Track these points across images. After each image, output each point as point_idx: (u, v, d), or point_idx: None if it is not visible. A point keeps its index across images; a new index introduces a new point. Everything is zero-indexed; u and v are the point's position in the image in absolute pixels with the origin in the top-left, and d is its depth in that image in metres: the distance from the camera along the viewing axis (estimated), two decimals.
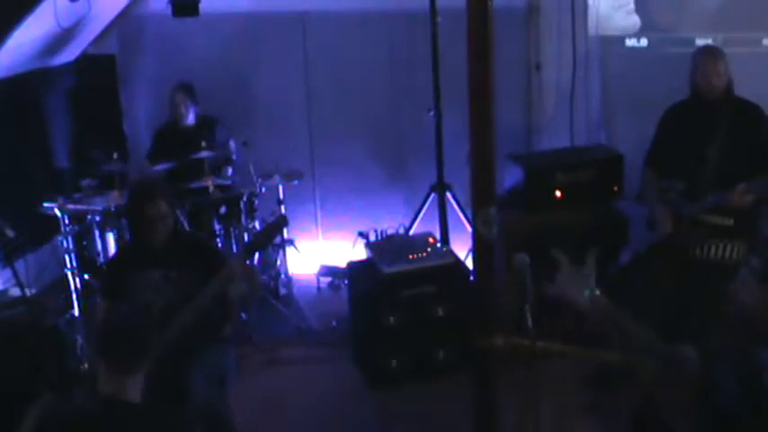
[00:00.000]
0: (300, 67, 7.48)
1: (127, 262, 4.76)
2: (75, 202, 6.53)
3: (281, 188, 6.97)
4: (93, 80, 7.61)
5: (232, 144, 7.02)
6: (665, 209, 5.21)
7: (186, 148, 6.75)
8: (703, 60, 5.19)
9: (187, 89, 7.05)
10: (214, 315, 4.54)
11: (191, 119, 7.06)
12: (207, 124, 7.09)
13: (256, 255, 6.66)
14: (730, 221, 5.02)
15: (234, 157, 7.03)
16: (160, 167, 6.78)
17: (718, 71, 5.11)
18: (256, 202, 6.95)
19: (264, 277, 7.06)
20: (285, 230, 6.89)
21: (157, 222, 4.60)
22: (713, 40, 6.26)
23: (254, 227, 6.92)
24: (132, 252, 4.84)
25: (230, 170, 7.00)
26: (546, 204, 5.99)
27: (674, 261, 5.16)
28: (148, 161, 7.01)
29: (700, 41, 6.34)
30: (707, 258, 5.10)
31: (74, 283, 6.54)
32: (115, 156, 6.77)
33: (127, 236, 6.36)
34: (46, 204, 6.47)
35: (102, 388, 3.21)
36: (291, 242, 7.19)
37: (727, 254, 5.05)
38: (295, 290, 7.19)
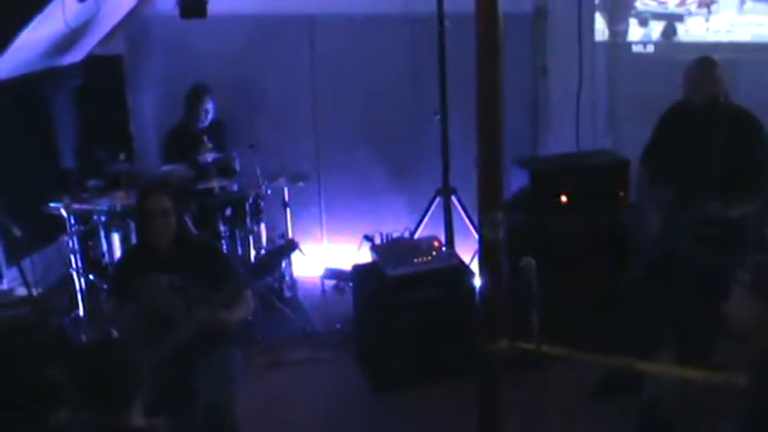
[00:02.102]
0: (307, 70, 7.49)
1: (134, 264, 4.78)
2: (80, 202, 6.54)
3: (286, 190, 6.98)
4: (100, 80, 7.62)
5: (235, 156, 7.00)
6: (655, 214, 5.21)
7: (195, 150, 6.76)
8: (692, 72, 5.19)
9: (212, 93, 7.08)
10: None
11: (206, 121, 7.07)
12: (217, 127, 7.11)
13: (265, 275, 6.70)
14: (717, 231, 5.01)
15: (237, 168, 7.02)
16: (169, 167, 6.78)
17: (705, 90, 5.10)
18: (262, 204, 6.95)
19: (269, 280, 7.07)
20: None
21: (158, 217, 4.61)
22: (722, 47, 6.27)
23: (258, 231, 6.94)
24: (140, 254, 4.86)
25: (235, 185, 7.00)
26: (551, 209, 5.99)
27: (671, 271, 5.17)
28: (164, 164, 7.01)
29: (707, 47, 6.36)
30: (696, 267, 5.09)
31: (79, 282, 6.57)
32: (121, 156, 6.78)
33: (132, 236, 6.40)
34: (52, 204, 6.48)
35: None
36: (296, 245, 7.19)
37: (714, 264, 5.04)
38: (300, 292, 7.20)
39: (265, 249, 6.96)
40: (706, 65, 5.23)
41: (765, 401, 3.05)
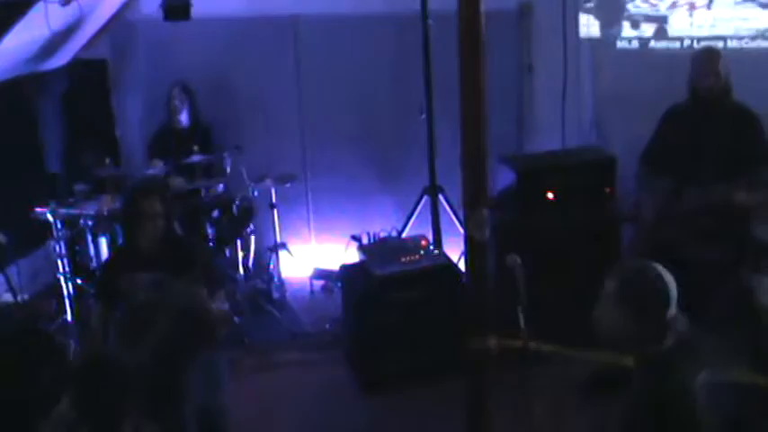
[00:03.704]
0: (292, 70, 7.48)
1: (120, 264, 4.78)
2: (67, 207, 6.52)
3: (273, 191, 6.97)
4: (85, 84, 7.60)
5: (225, 156, 7.00)
6: (651, 201, 5.22)
7: (180, 151, 6.75)
8: (699, 61, 5.21)
9: (186, 88, 7.09)
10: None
11: (184, 117, 7.06)
12: (202, 128, 7.09)
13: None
14: (714, 224, 5.02)
15: (228, 170, 7.01)
16: (154, 170, 6.78)
17: (716, 71, 5.11)
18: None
19: (258, 281, 7.07)
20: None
21: (149, 219, 4.61)
22: (706, 41, 6.30)
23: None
24: (125, 254, 4.86)
25: (222, 186, 6.99)
26: (538, 206, 5.99)
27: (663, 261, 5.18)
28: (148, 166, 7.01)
29: (691, 41, 6.39)
30: (693, 258, 5.10)
31: (66, 287, 6.52)
32: (107, 160, 6.77)
33: (119, 240, 6.38)
34: (38, 209, 6.45)
35: None
36: (284, 246, 7.19)
37: (715, 254, 5.06)
38: (288, 293, 7.19)
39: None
40: (713, 54, 5.25)
41: (642, 406, 3.05)
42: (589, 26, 6.91)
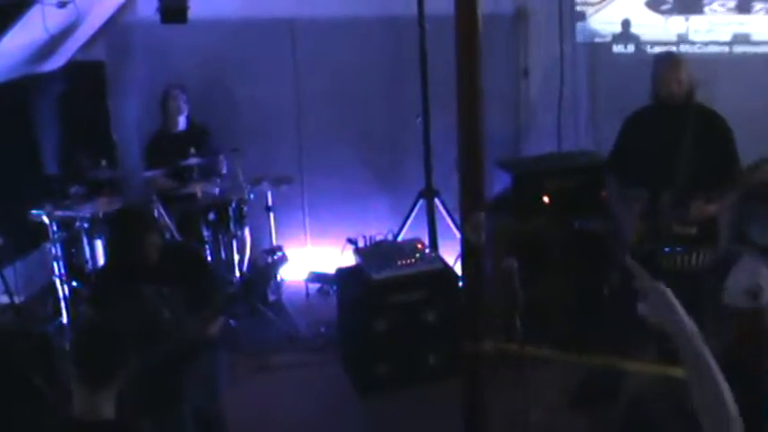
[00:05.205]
0: (289, 73, 7.48)
1: (117, 274, 4.71)
2: (63, 209, 6.50)
3: (269, 194, 6.97)
4: (81, 86, 7.58)
5: (222, 158, 6.97)
6: (630, 219, 5.21)
7: (177, 155, 6.74)
8: (664, 68, 5.19)
9: (183, 89, 7.07)
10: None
11: (182, 120, 7.06)
12: (198, 131, 7.08)
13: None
14: (693, 230, 5.03)
15: (224, 171, 7.00)
16: (151, 173, 6.78)
17: (679, 78, 5.10)
18: (245, 208, 6.94)
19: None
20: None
21: (151, 252, 4.57)
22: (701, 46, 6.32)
23: (242, 236, 6.92)
24: (123, 265, 4.78)
25: (217, 188, 6.99)
26: (534, 210, 6.00)
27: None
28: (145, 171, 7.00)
29: (684, 47, 6.41)
30: (672, 267, 5.09)
31: (62, 289, 6.51)
32: (103, 162, 6.76)
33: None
34: (34, 211, 6.44)
35: (75, 405, 3.09)
36: (280, 249, 7.18)
37: (693, 262, 5.06)
38: (284, 296, 7.17)
39: (250, 265, 6.95)
40: (676, 61, 5.23)
41: None
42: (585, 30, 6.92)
